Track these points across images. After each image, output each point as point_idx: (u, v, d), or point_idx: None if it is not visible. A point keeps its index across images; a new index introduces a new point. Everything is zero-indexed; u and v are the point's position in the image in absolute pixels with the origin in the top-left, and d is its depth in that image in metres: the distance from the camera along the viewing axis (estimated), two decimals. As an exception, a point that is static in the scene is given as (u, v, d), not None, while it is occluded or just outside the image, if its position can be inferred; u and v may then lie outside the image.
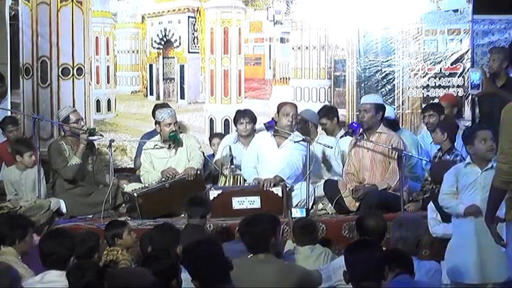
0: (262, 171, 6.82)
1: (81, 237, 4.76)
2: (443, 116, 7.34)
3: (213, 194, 6.41)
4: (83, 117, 7.64)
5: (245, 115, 7.35)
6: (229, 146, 7.23)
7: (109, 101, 8.70)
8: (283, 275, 4.15)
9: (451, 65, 8.26)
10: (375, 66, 8.39)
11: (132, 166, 7.89)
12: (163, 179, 6.73)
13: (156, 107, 7.76)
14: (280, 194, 6.43)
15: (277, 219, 4.46)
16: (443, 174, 5.42)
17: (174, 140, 6.89)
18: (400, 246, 4.50)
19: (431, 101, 8.11)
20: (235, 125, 7.45)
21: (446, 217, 5.60)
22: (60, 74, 8.35)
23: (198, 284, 3.70)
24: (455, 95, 8.14)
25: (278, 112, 6.90)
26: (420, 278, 4.19)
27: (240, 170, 7.02)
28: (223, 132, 8.31)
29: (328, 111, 7.59)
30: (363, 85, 8.41)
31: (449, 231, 5.45)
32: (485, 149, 5.04)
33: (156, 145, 7.00)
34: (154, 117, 7.63)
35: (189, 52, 8.73)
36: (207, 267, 3.69)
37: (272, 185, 6.49)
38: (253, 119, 7.35)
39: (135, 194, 6.49)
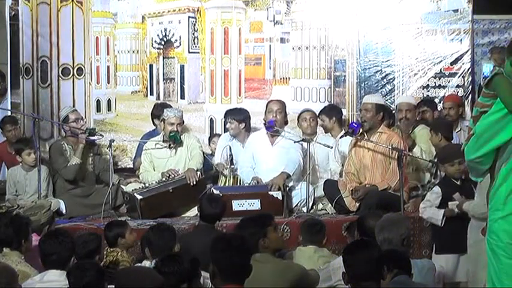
0: (259, 170, 6.86)
1: (83, 238, 4.75)
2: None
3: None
4: (83, 117, 7.63)
5: (232, 115, 7.39)
6: (229, 146, 7.24)
7: (109, 101, 8.70)
8: (280, 275, 4.15)
9: (451, 65, 8.27)
10: (375, 66, 8.39)
11: (132, 166, 7.89)
12: (163, 179, 6.73)
13: (156, 106, 7.77)
14: (279, 197, 6.44)
15: (268, 218, 4.49)
16: (449, 152, 5.75)
17: (174, 140, 6.89)
18: (386, 248, 4.49)
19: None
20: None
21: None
22: (60, 74, 8.35)
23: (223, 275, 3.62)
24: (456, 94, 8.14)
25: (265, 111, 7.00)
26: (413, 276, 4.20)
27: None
28: (223, 133, 8.30)
29: (329, 110, 7.61)
30: (363, 85, 8.41)
31: (435, 218, 5.60)
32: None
33: (157, 144, 7.01)
34: (153, 116, 7.65)
35: (189, 52, 8.73)
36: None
37: (280, 186, 6.49)
38: (240, 119, 7.36)
39: (135, 195, 6.48)
